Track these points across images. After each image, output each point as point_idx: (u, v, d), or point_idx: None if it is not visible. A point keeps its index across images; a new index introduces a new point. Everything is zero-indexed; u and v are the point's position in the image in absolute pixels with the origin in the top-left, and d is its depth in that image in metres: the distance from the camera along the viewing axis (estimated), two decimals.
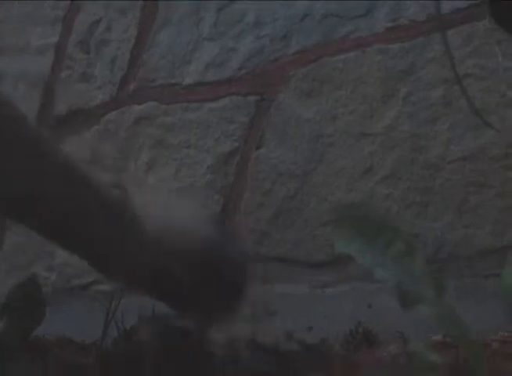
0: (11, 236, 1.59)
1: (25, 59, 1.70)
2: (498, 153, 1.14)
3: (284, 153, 1.33)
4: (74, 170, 0.51)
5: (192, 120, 1.46)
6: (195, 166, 1.43)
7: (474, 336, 0.42)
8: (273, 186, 1.33)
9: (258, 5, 1.45)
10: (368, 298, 1.19)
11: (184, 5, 1.56)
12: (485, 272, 1.10)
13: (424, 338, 0.89)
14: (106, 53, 1.65)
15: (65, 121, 1.62)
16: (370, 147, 1.25)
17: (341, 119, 1.29)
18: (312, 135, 1.31)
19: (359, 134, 1.27)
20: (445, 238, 1.16)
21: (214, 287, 0.59)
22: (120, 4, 1.65)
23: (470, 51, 1.19)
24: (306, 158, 1.30)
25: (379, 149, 1.24)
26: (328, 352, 0.86)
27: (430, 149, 1.20)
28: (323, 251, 1.26)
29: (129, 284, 0.61)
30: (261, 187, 1.34)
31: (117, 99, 1.58)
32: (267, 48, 1.42)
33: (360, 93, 1.28)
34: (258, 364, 0.64)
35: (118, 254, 0.53)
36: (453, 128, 1.19)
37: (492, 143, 1.15)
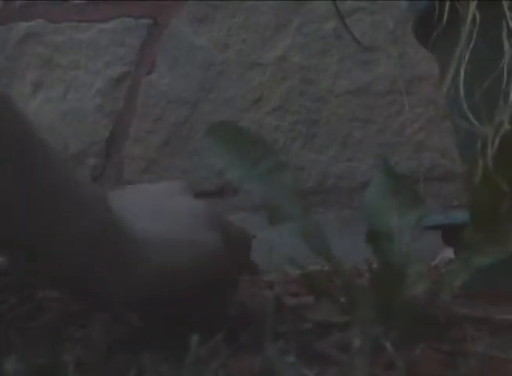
0: None
1: None
2: (383, 88, 1.17)
3: (175, 80, 1.31)
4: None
5: (82, 40, 1.41)
6: (83, 89, 1.39)
7: (337, 256, 0.43)
8: (163, 113, 1.31)
9: None
10: (253, 229, 1.20)
11: None
12: None
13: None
14: None
15: None
16: (261, 78, 1.25)
17: (233, 47, 1.28)
18: (204, 63, 1.29)
19: (251, 63, 1.26)
20: (329, 171, 1.18)
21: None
22: None
23: None
24: (197, 86, 1.29)
25: (269, 79, 1.24)
26: None
27: (319, 81, 1.21)
28: (211, 180, 1.27)
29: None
30: (151, 113, 1.32)
31: (2, 14, 1.50)
32: None
33: (253, 22, 1.27)
34: None
35: None
36: (342, 62, 1.20)
37: (378, 79, 1.17)
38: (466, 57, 0.56)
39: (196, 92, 1.29)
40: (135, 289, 0.39)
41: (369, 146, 1.16)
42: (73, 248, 0.37)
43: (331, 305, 0.42)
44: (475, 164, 0.41)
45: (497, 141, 0.41)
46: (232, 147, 0.45)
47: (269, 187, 0.44)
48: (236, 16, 1.29)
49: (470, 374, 0.35)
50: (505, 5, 0.56)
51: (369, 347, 0.31)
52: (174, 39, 1.33)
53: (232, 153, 0.45)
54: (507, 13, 0.55)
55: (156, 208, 0.44)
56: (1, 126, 0.34)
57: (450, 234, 0.68)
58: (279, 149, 1.19)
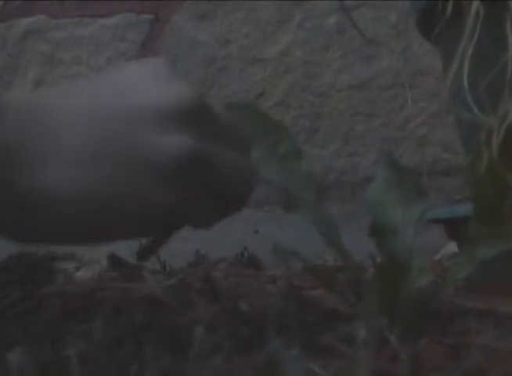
0: None
1: None
2: (385, 83, 1.16)
3: (177, 76, 1.31)
4: None
5: (84, 36, 1.41)
6: None
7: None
8: None
9: None
10: (255, 225, 1.20)
11: None
12: None
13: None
14: None
15: None
16: (263, 73, 1.25)
17: (235, 43, 1.27)
18: (206, 58, 1.29)
19: (253, 58, 1.26)
20: (332, 165, 1.18)
21: None
22: None
23: None
24: (199, 81, 1.29)
25: (271, 74, 1.24)
26: None
27: (321, 76, 1.21)
28: None
29: None
30: None
31: (3, 10, 1.50)
32: None
33: (255, 17, 1.27)
34: None
35: None
36: (344, 57, 1.20)
37: (381, 73, 1.17)
38: (470, 51, 0.56)
39: (198, 88, 1.29)
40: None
41: (371, 141, 1.16)
42: None
43: (336, 297, 0.42)
44: (479, 155, 0.41)
45: (502, 132, 0.41)
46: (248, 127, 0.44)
47: (285, 174, 0.43)
48: (238, 11, 1.28)
49: (473, 367, 0.35)
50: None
51: (373, 340, 0.31)
52: (176, 35, 1.32)
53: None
54: None
55: (107, 146, 0.36)
56: None
57: (453, 228, 0.67)
58: None
